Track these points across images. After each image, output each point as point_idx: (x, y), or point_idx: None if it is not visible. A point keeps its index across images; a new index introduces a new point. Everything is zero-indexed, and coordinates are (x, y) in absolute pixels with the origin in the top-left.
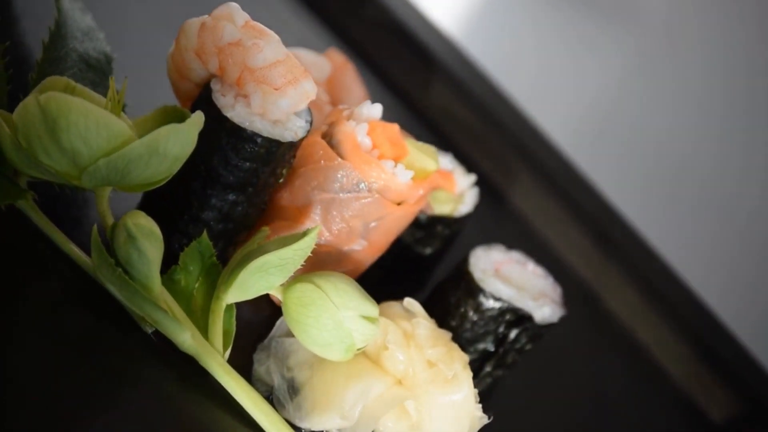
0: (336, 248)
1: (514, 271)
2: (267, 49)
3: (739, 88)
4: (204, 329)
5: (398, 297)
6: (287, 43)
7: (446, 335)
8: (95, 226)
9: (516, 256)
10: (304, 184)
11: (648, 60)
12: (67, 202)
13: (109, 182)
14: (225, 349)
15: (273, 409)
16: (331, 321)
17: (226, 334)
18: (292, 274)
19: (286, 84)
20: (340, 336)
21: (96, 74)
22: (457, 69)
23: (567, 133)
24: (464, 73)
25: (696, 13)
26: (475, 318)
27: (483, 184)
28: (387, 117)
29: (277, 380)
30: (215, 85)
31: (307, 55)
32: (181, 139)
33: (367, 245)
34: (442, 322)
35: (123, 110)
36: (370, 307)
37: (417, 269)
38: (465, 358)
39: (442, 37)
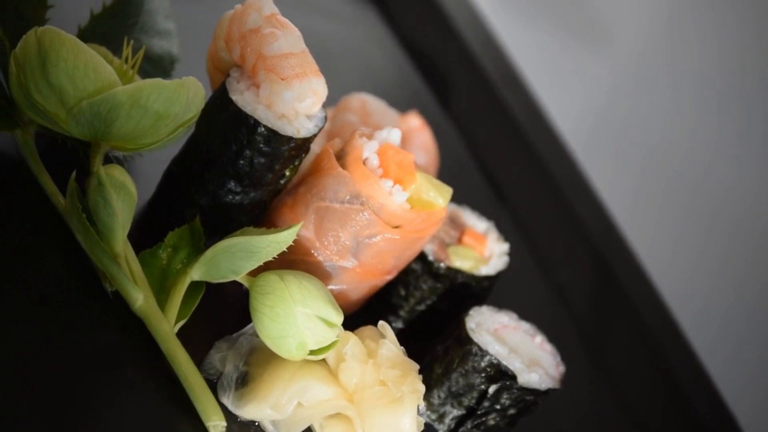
0: (325, 261)
1: (516, 337)
2: (283, 39)
3: (728, 105)
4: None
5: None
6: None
7: (412, 365)
8: (75, 172)
9: (525, 326)
10: (305, 192)
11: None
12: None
13: (95, 130)
14: (177, 321)
15: (206, 384)
16: (285, 313)
17: (183, 309)
18: (261, 263)
19: (294, 76)
20: (292, 331)
21: (153, 68)
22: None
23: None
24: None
25: (678, 34)
26: (460, 369)
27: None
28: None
29: (229, 368)
30: (234, 73)
31: (375, 103)
32: (164, 96)
33: (358, 266)
34: (429, 368)
35: None
36: (331, 312)
37: (429, 321)
38: (419, 387)
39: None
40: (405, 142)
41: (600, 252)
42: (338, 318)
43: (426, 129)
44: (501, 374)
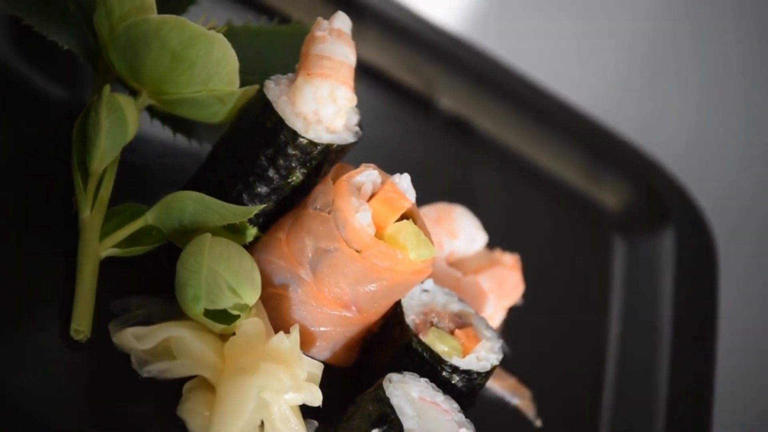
0: (286, 265)
1: (437, 416)
2: (329, 43)
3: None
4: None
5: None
6: None
7: (297, 364)
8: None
9: (460, 418)
10: (303, 201)
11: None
12: None
13: (128, 63)
14: (110, 247)
15: (93, 299)
16: (195, 263)
17: (125, 243)
18: (208, 225)
19: (318, 75)
20: (193, 281)
21: None
22: None
23: None
24: None
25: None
26: (361, 413)
27: None
28: None
29: (140, 312)
30: (292, 75)
31: (465, 214)
32: (183, 35)
33: (313, 281)
34: (344, 413)
35: None
36: (243, 286)
37: None
38: (280, 375)
39: None
40: (485, 270)
41: None
42: (249, 295)
43: (516, 271)
44: (389, 424)
